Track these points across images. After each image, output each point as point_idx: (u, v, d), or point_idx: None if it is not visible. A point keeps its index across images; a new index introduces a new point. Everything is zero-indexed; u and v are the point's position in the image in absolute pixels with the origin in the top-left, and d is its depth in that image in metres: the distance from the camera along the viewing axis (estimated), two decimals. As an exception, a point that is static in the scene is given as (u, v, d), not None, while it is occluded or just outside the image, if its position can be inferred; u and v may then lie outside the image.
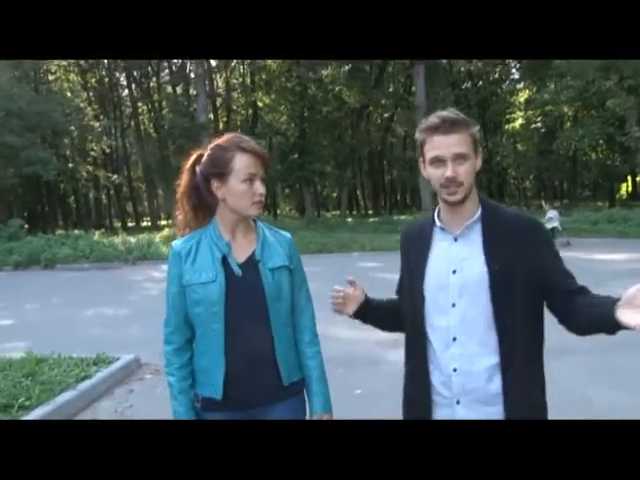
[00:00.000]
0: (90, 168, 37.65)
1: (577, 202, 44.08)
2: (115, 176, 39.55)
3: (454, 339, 1.78)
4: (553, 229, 17.73)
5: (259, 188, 1.93)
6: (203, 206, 2.05)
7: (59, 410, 4.49)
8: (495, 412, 1.74)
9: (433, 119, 1.74)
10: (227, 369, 1.94)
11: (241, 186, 1.91)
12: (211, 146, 1.99)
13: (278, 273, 1.99)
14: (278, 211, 50.03)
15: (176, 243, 2.03)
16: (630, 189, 45.75)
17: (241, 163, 1.91)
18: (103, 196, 49.18)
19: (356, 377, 5.34)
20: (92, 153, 38.81)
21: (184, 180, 2.06)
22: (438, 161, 1.73)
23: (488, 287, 1.73)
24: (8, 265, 17.42)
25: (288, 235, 2.12)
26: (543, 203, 22.12)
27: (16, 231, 22.32)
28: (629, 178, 43.54)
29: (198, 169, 2.01)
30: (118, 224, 44.42)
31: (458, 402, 1.78)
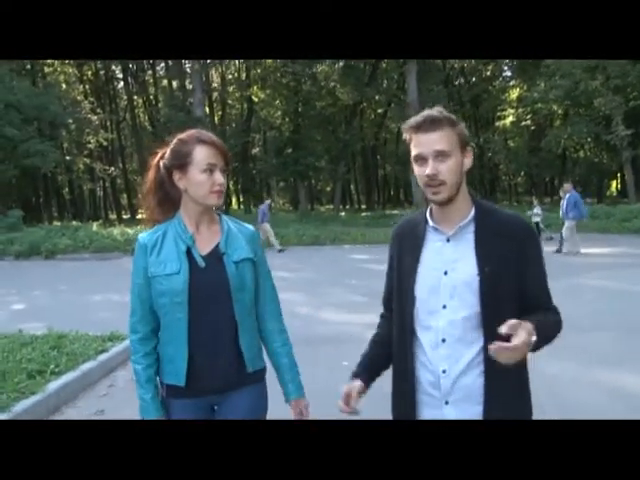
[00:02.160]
0: (87, 160, 37.98)
1: (567, 198, 44.51)
2: (112, 169, 39.91)
3: (443, 340, 1.77)
4: (536, 224, 18.41)
5: (219, 178, 2.00)
6: (168, 200, 2.11)
7: (84, 377, 5.13)
8: (482, 411, 1.75)
9: (416, 118, 1.75)
10: (190, 357, 2.00)
11: (201, 176, 1.98)
12: (173, 141, 2.07)
13: (242, 265, 2.05)
14: (272, 204, 50.43)
15: (142, 235, 2.10)
16: (619, 186, 46.31)
17: (201, 154, 1.99)
18: (98, 188, 49.52)
19: (343, 352, 5.83)
20: (89, 146, 39.14)
21: (150, 176, 2.13)
22: (421, 159, 1.72)
23: (478, 289, 1.72)
24: (9, 255, 17.83)
25: (252, 228, 2.18)
26: (533, 199, 22.81)
27: (15, 222, 22.50)
28: (618, 175, 44.08)
29: (162, 163, 2.09)
30: (113, 216, 44.73)
31: (447, 402, 1.77)
